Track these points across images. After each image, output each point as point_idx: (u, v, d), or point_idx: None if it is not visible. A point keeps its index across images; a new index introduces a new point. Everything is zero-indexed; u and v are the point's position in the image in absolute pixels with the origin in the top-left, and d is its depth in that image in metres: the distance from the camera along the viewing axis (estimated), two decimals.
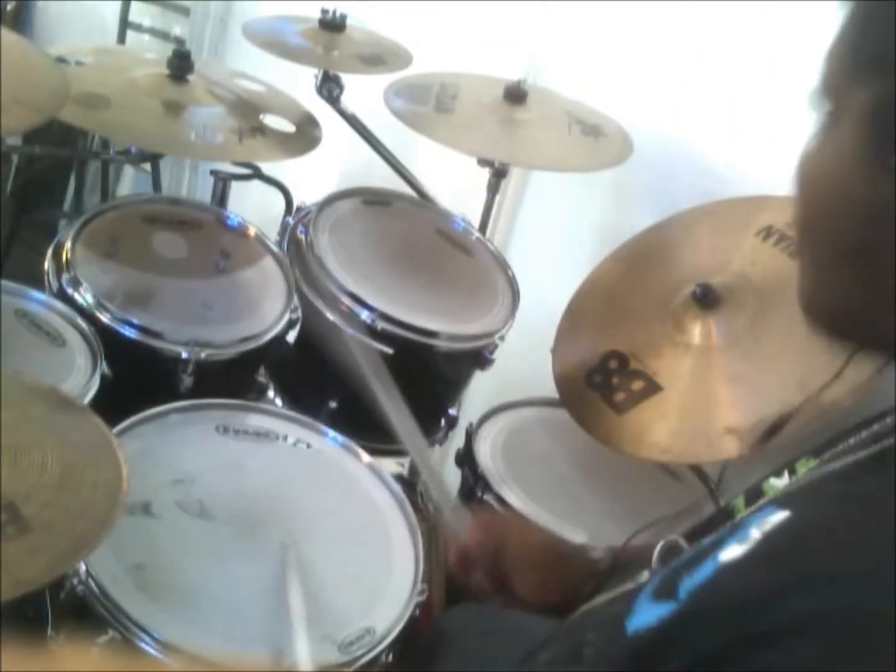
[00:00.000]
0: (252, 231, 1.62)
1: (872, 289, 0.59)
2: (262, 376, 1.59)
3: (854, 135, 0.58)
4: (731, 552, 0.58)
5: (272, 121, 1.61)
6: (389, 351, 1.49)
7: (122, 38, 2.56)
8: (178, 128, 1.52)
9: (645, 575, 0.75)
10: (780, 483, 0.72)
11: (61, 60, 1.48)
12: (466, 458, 1.47)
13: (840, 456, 0.63)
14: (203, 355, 1.37)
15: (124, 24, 2.55)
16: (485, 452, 1.47)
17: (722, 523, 0.72)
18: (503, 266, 1.73)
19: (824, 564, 0.53)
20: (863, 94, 0.57)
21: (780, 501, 0.62)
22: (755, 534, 0.58)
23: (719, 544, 0.60)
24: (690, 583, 0.59)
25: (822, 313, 0.64)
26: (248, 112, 1.61)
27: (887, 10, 0.56)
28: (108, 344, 1.32)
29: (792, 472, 0.72)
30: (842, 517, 0.56)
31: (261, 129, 1.57)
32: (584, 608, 0.81)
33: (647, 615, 0.61)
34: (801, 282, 0.65)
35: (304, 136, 1.63)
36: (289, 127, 1.63)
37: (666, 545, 0.76)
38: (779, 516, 0.59)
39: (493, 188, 1.83)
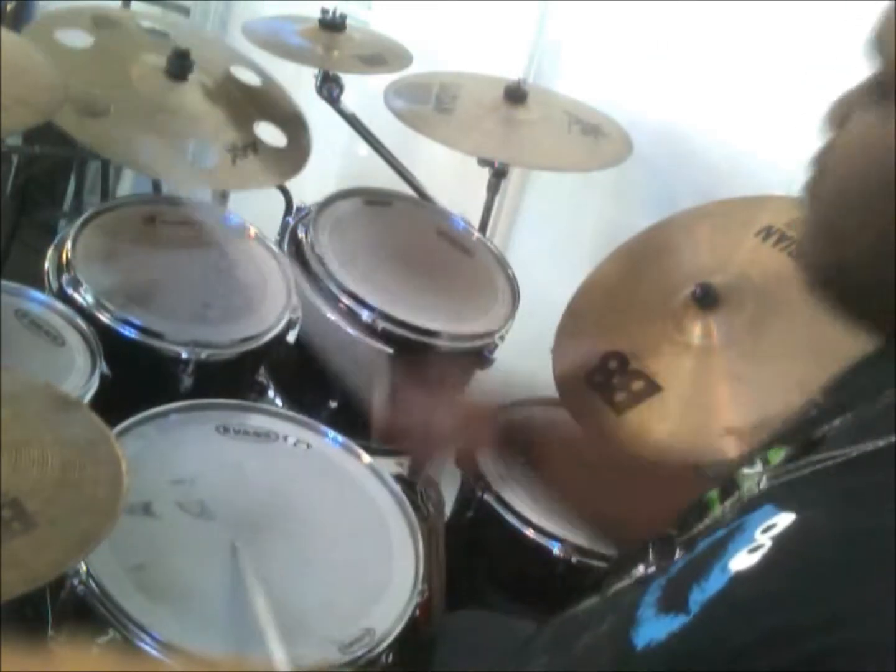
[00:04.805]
0: (252, 231, 1.62)
1: (889, 269, 0.59)
2: (262, 376, 1.59)
3: None
4: (743, 561, 0.56)
5: (265, 131, 1.61)
6: (389, 351, 1.49)
7: None
8: (173, 154, 1.52)
9: (640, 569, 0.74)
10: (752, 471, 0.70)
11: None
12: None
13: (831, 446, 0.62)
14: (203, 355, 1.37)
15: None
16: (484, 452, 1.47)
17: (700, 517, 0.71)
18: (503, 266, 1.72)
19: (840, 579, 0.52)
20: None
21: (779, 500, 0.60)
22: (762, 539, 0.56)
23: (722, 549, 0.59)
24: (702, 595, 0.57)
25: (825, 279, 0.64)
26: (242, 120, 1.61)
27: None
28: (108, 344, 1.32)
29: (765, 461, 0.71)
30: (851, 520, 0.55)
31: (253, 146, 1.57)
32: (572, 611, 0.80)
33: (655, 629, 0.59)
34: (809, 247, 0.65)
35: (296, 148, 1.63)
36: (280, 140, 1.63)
37: (661, 539, 0.75)
38: (784, 519, 0.57)
39: (493, 188, 1.83)
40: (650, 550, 0.75)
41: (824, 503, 0.58)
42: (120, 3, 2.53)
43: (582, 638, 0.69)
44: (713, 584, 0.57)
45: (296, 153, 1.63)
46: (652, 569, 0.73)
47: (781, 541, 0.56)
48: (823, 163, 0.65)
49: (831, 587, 0.52)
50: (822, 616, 0.51)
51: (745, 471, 0.71)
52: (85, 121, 1.41)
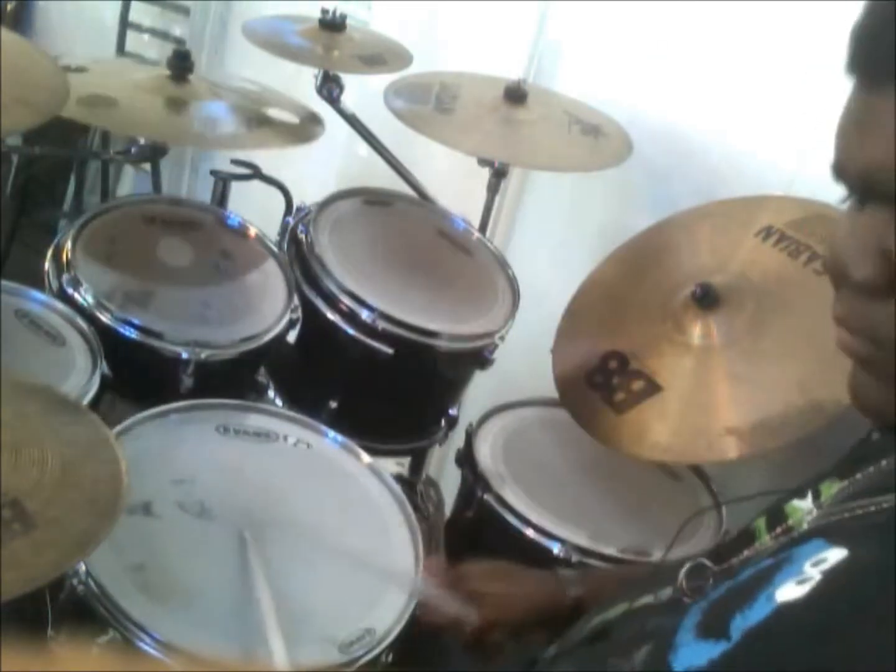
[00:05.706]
0: (252, 231, 1.62)
1: None
2: (262, 376, 1.59)
3: None
4: (789, 592, 0.55)
5: (275, 113, 1.62)
6: (389, 351, 1.49)
7: (122, 38, 2.56)
8: (185, 121, 1.53)
9: (668, 591, 0.74)
10: (804, 505, 0.69)
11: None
12: (466, 458, 1.47)
13: (879, 489, 0.61)
14: (203, 356, 1.37)
15: (124, 24, 2.56)
16: (485, 452, 1.47)
17: (746, 545, 0.70)
18: (503, 266, 1.73)
19: (889, 616, 0.51)
20: None
21: (829, 535, 0.59)
22: (812, 572, 0.56)
23: (768, 579, 0.58)
24: (744, 622, 0.56)
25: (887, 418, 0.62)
26: (251, 106, 1.61)
27: None
28: (108, 344, 1.32)
29: (817, 494, 0.69)
30: None
31: (266, 121, 1.57)
32: (596, 620, 0.79)
33: (694, 655, 0.58)
34: (872, 389, 0.61)
35: (309, 125, 1.64)
36: (292, 118, 1.63)
37: (692, 566, 0.74)
38: (835, 554, 0.56)
39: (493, 188, 1.83)
40: (681, 575, 0.74)
41: (877, 542, 0.57)
42: (119, 6, 2.55)
43: (609, 665, 0.69)
44: (757, 612, 0.56)
45: (309, 128, 1.63)
46: (680, 594, 0.73)
47: (831, 575, 0.55)
48: (880, 338, 0.59)
49: (879, 623, 0.51)
50: (868, 651, 0.50)
51: (795, 503, 0.70)
52: (90, 109, 1.41)
